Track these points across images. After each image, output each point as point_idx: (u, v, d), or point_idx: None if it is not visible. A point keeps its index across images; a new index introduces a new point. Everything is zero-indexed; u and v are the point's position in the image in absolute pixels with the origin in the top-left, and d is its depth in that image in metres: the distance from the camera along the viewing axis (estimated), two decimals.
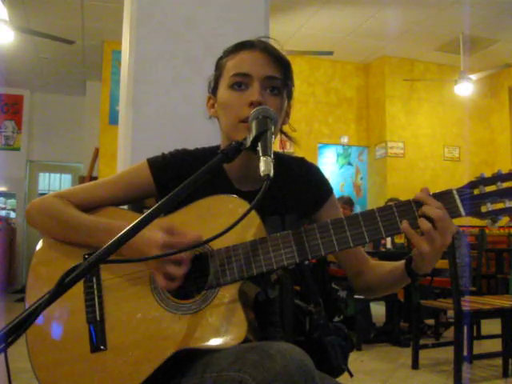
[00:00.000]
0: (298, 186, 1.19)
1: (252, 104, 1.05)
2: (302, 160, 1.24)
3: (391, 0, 5.89)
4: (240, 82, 1.09)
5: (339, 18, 6.41)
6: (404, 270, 1.04)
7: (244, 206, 1.01)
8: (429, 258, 0.95)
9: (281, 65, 1.11)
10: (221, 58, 1.17)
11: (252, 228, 1.00)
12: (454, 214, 0.94)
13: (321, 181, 1.23)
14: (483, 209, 0.93)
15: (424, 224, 0.92)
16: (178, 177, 1.07)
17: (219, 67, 1.16)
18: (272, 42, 1.15)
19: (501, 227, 6.31)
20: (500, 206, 0.93)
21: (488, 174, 0.95)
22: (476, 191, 0.94)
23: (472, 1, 5.71)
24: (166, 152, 1.19)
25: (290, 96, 1.17)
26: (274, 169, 0.89)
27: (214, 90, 1.17)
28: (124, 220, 0.98)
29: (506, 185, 0.93)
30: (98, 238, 1.02)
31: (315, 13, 6.26)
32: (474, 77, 6.62)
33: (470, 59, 7.00)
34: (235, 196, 1.04)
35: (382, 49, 7.40)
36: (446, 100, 7.79)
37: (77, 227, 1.07)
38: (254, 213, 0.99)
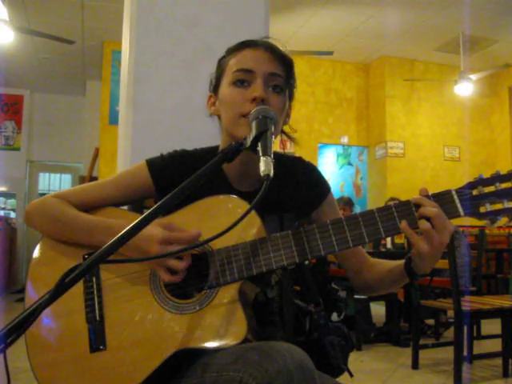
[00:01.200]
0: (296, 185, 1.19)
1: (255, 100, 1.05)
2: (299, 159, 1.24)
3: (391, 0, 5.89)
4: (243, 79, 1.09)
5: (339, 18, 6.41)
6: (403, 270, 1.05)
7: (243, 206, 1.01)
8: (428, 257, 0.95)
9: (284, 63, 1.12)
10: (223, 57, 1.18)
11: (252, 228, 1.00)
12: (453, 214, 0.94)
13: (318, 179, 1.23)
14: (482, 209, 0.94)
15: (423, 224, 0.93)
16: (177, 178, 1.07)
17: (221, 65, 1.16)
18: (275, 42, 1.15)
19: (500, 227, 6.31)
20: (498, 206, 0.93)
21: (488, 174, 0.95)
22: (475, 192, 0.94)
23: (472, 1, 5.71)
24: (165, 153, 1.19)
25: (291, 96, 1.17)
26: (273, 169, 0.89)
27: (215, 89, 1.17)
28: (124, 220, 0.98)
29: (504, 185, 0.93)
30: (99, 237, 1.02)
31: (315, 13, 6.26)
32: (474, 77, 6.62)
33: (470, 59, 7.00)
34: (235, 196, 1.04)
35: (382, 49, 7.40)
36: (446, 100, 7.79)
37: (76, 227, 1.07)
38: (254, 213, 0.99)
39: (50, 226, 1.11)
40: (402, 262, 1.06)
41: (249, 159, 1.08)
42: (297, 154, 1.32)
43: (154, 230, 0.97)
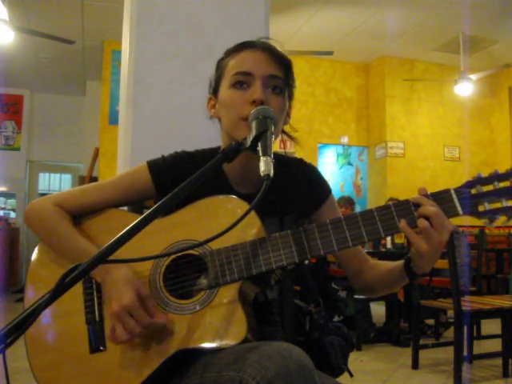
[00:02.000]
0: (297, 186, 1.18)
1: (254, 102, 1.05)
2: (300, 161, 1.24)
3: (391, 0, 5.89)
4: (242, 81, 1.09)
5: (339, 18, 6.41)
6: (403, 270, 1.05)
7: (243, 206, 1.01)
8: (427, 256, 0.95)
9: (282, 64, 1.11)
10: (222, 59, 1.17)
11: (252, 228, 1.00)
12: (452, 213, 0.94)
13: (319, 181, 1.23)
14: (480, 208, 0.94)
15: (421, 222, 0.93)
16: (178, 179, 1.06)
17: (220, 67, 1.16)
18: (273, 43, 1.15)
19: (500, 227, 6.31)
20: (497, 205, 0.93)
21: (487, 174, 0.95)
22: (473, 191, 0.94)
23: (472, 1, 5.71)
24: (165, 154, 1.19)
25: (291, 96, 1.17)
26: (274, 169, 0.89)
27: (214, 91, 1.17)
28: (124, 221, 0.98)
29: (502, 184, 0.93)
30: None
31: (315, 13, 6.26)
32: (473, 77, 6.62)
33: (470, 59, 7.00)
34: (234, 197, 1.04)
35: (382, 49, 7.40)
36: (446, 100, 7.79)
37: (67, 248, 1.08)
38: (253, 213, 0.99)
39: (45, 237, 1.12)
40: (401, 262, 1.06)
41: (249, 161, 1.08)
42: (297, 154, 1.32)
43: (128, 292, 0.96)
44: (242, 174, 1.15)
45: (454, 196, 0.94)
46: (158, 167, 1.15)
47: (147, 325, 0.95)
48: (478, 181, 0.95)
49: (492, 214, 0.94)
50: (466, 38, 6.63)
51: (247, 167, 1.12)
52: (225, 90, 1.12)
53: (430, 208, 0.92)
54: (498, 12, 6.04)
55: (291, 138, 1.24)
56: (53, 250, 1.11)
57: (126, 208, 1.23)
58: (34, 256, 1.12)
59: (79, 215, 1.13)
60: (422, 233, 0.93)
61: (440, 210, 0.93)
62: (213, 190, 1.05)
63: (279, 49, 1.13)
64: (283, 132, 1.21)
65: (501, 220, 0.95)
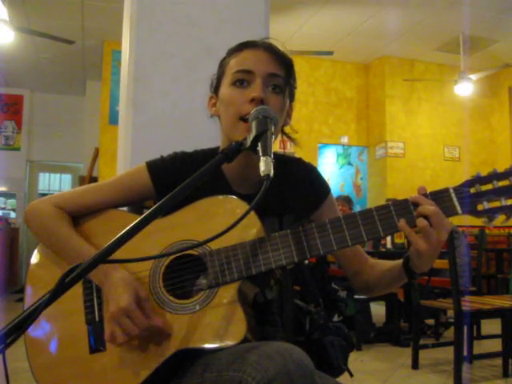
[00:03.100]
0: (296, 186, 1.18)
1: (253, 100, 1.05)
2: (299, 160, 1.24)
3: (391, 0, 5.89)
4: (242, 79, 1.09)
5: (339, 18, 6.41)
6: (402, 269, 1.05)
7: (243, 206, 1.01)
8: (426, 255, 0.95)
9: (284, 63, 1.11)
10: (224, 58, 1.18)
11: (251, 228, 1.00)
12: (451, 212, 0.94)
13: (318, 181, 1.23)
14: (479, 207, 0.94)
15: (420, 222, 0.93)
16: (177, 180, 1.06)
17: (222, 66, 1.17)
18: (274, 42, 1.15)
19: (500, 227, 6.31)
20: (496, 204, 0.93)
21: (486, 173, 0.95)
22: (473, 190, 0.94)
23: (472, 1, 5.71)
24: (165, 154, 1.19)
25: (291, 97, 1.17)
26: (273, 169, 0.89)
27: (216, 89, 1.17)
28: (124, 221, 0.98)
29: (501, 183, 0.93)
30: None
31: (315, 13, 6.26)
32: (473, 77, 6.62)
33: (470, 59, 7.00)
34: (234, 197, 1.04)
35: (382, 49, 7.40)
36: (446, 100, 7.79)
37: (65, 249, 1.08)
38: (253, 214, 0.99)
39: (44, 238, 1.12)
40: (400, 261, 1.06)
41: (249, 161, 1.08)
42: (297, 155, 1.32)
43: (126, 294, 0.96)
44: (241, 174, 1.14)
45: (453, 195, 0.94)
46: (156, 168, 1.15)
47: (144, 327, 0.95)
48: (477, 180, 0.95)
49: (491, 213, 0.94)
50: (466, 38, 6.63)
51: (246, 168, 1.11)
52: (225, 88, 1.12)
53: (429, 207, 0.92)
54: (498, 12, 6.04)
55: (291, 139, 1.24)
56: (51, 250, 1.11)
57: (126, 208, 1.23)
58: (34, 256, 1.13)
59: (79, 216, 1.13)
60: (421, 232, 0.93)
61: (439, 210, 0.93)
62: (212, 190, 1.05)
63: (281, 48, 1.14)
64: (283, 133, 1.21)
65: (500, 219, 0.95)
